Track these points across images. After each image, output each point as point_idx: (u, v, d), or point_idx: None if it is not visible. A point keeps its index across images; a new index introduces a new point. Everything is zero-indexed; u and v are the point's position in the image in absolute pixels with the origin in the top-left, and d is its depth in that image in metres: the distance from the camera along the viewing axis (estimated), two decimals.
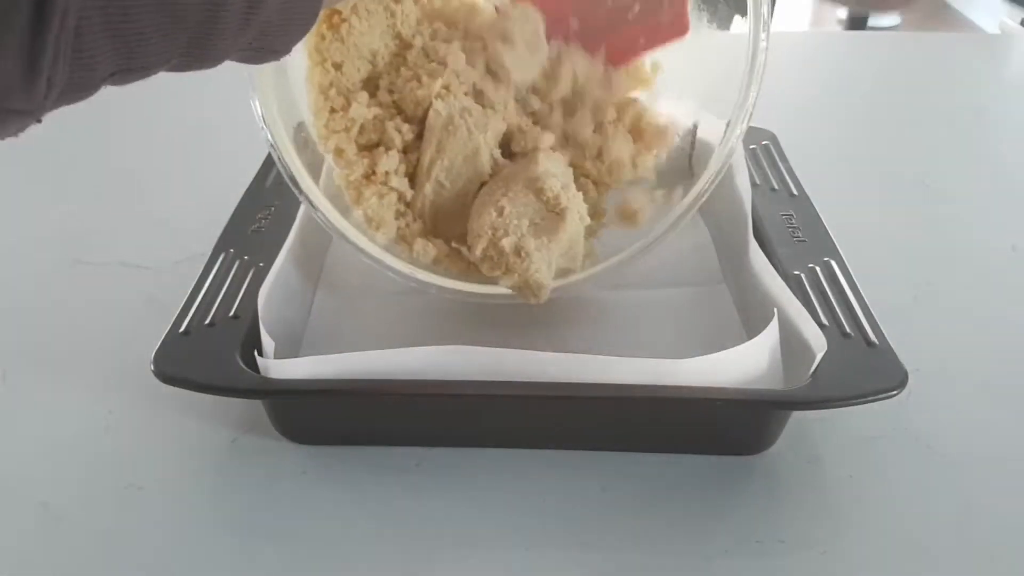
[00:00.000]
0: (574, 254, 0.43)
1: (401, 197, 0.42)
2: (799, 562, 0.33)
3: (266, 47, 0.29)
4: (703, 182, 0.43)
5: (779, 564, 0.33)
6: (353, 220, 0.42)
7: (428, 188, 0.42)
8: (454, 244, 0.43)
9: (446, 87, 0.41)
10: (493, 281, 0.41)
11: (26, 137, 0.24)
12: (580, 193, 0.42)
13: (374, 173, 0.41)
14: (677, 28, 0.41)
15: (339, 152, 0.41)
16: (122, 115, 0.71)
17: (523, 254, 0.39)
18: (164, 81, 0.28)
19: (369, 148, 0.42)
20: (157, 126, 0.72)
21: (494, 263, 0.40)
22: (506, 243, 0.39)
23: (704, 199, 0.43)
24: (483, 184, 0.42)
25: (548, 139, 0.43)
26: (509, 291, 0.41)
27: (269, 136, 0.40)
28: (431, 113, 0.41)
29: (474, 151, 0.41)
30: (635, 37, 0.42)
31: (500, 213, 0.39)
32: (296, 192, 0.41)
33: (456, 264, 0.43)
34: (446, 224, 0.43)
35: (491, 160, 0.42)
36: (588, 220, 0.42)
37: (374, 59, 0.42)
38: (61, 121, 0.23)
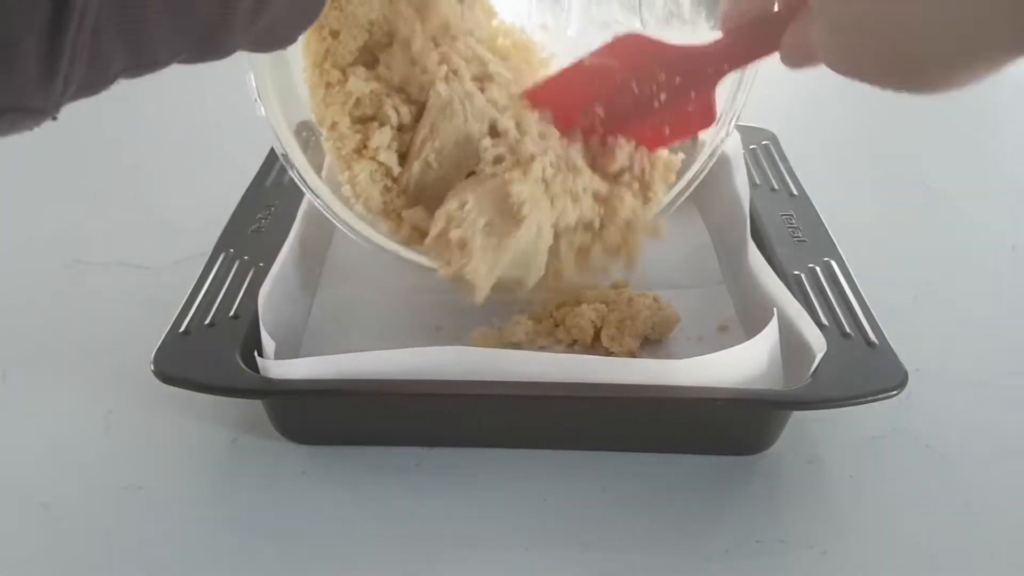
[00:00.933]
0: (529, 266, 0.41)
1: (388, 172, 0.42)
2: (799, 562, 0.33)
3: (275, 38, 0.29)
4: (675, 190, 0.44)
5: (779, 564, 0.33)
6: (341, 195, 0.42)
7: (416, 166, 0.42)
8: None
9: (454, 71, 0.41)
10: None
11: (26, 137, 0.24)
12: (554, 211, 0.40)
13: (365, 147, 0.41)
14: (704, 119, 0.41)
15: (333, 126, 0.41)
16: (123, 115, 0.71)
17: (466, 250, 0.38)
18: (165, 81, 0.28)
19: (363, 121, 0.42)
20: (158, 126, 0.72)
21: (440, 251, 0.39)
22: (453, 235, 0.38)
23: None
24: (471, 173, 0.42)
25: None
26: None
27: (262, 111, 0.40)
28: (431, 93, 0.41)
29: (467, 138, 0.41)
30: (662, 127, 0.41)
31: (461, 206, 0.39)
32: (288, 167, 0.41)
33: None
34: (428, 204, 0.43)
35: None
36: (550, 240, 0.41)
37: (371, 29, 0.41)
38: (61, 121, 0.23)
